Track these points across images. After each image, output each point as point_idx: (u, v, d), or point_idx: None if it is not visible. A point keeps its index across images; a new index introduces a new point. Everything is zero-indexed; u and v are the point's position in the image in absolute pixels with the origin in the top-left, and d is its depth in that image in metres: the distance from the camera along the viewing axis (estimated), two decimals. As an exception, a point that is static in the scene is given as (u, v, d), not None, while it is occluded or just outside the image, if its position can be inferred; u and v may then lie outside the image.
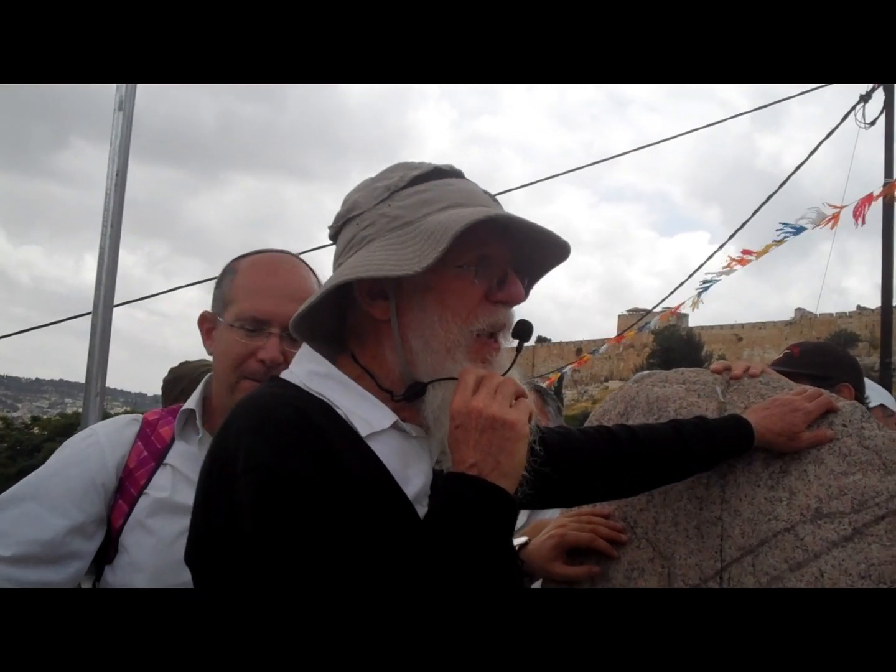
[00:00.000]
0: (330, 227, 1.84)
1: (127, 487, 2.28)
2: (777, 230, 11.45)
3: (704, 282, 12.92)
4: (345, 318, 1.80)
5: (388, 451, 1.68)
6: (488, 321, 1.72)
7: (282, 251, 2.47)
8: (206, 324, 2.40)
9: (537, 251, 1.81)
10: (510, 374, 1.74)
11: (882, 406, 4.03)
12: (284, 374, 1.77)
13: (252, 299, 2.28)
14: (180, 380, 3.78)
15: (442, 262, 1.62)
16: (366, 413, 1.70)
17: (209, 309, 2.42)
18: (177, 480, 2.25)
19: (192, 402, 2.39)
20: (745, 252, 11.97)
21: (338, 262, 1.78)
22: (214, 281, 2.43)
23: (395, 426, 1.72)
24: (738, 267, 12.13)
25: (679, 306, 13.76)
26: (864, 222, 10.75)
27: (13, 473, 41.60)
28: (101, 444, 2.30)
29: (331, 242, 1.86)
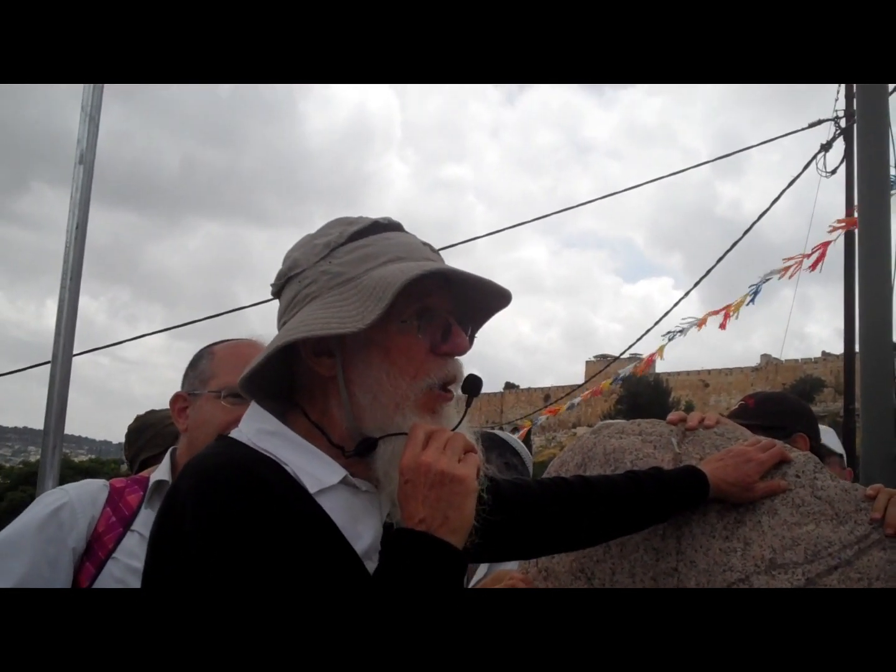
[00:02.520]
0: (272, 285, 1.85)
1: (95, 550, 2.31)
2: (748, 295, 11.61)
3: (670, 332, 12.99)
4: (292, 375, 1.80)
5: (338, 507, 1.67)
6: (438, 376, 1.72)
7: (256, 339, 2.57)
8: (180, 403, 2.48)
9: (479, 298, 1.83)
10: (459, 428, 1.75)
11: (840, 456, 4.09)
12: (233, 433, 1.77)
13: (236, 372, 2.34)
14: (146, 429, 3.76)
15: (385, 317, 1.63)
16: (314, 469, 1.70)
17: (179, 388, 2.53)
18: (145, 548, 2.27)
19: (161, 473, 2.45)
20: (725, 311, 12.05)
21: (282, 320, 1.78)
22: (179, 328, 2.53)
23: (344, 481, 1.71)
24: (713, 319, 12.22)
25: (652, 356, 13.78)
26: (821, 270, 10.90)
27: (-26, 523, 40.88)
28: (73, 508, 2.34)
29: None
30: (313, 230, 1.85)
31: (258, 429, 1.75)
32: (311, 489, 1.66)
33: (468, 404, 1.81)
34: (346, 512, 1.68)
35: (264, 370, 1.75)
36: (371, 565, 1.63)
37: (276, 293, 1.84)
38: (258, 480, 1.57)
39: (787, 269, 11.06)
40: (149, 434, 3.72)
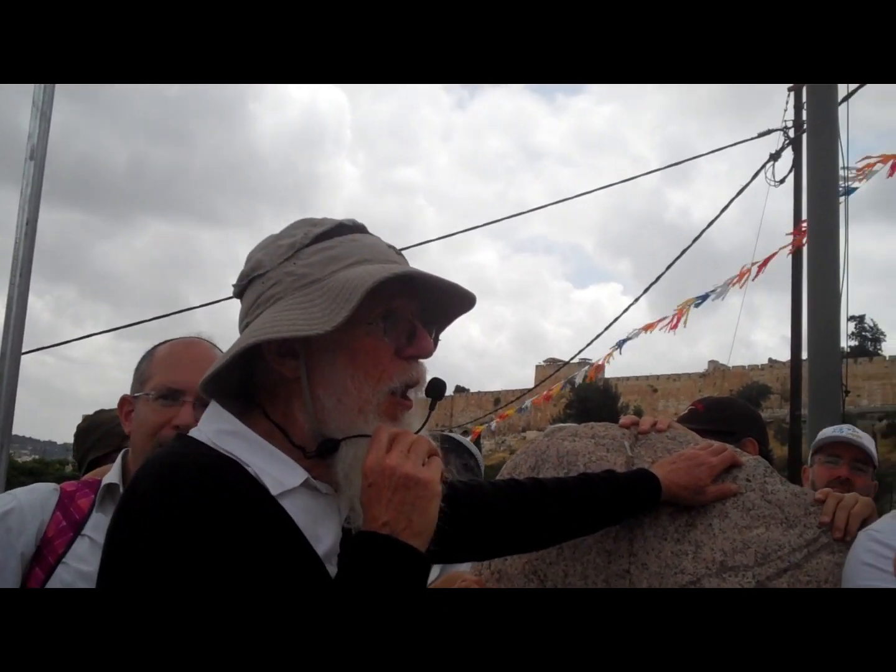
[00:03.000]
0: (234, 286, 1.83)
1: (45, 555, 2.29)
2: (696, 304, 11.74)
3: (620, 341, 13.09)
4: (253, 375, 1.78)
5: (299, 510, 1.66)
6: (401, 379, 1.72)
7: (197, 336, 2.55)
8: (126, 406, 2.48)
9: (444, 300, 1.82)
10: (422, 432, 1.75)
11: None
12: (193, 433, 1.74)
13: (167, 372, 2.39)
14: (95, 429, 3.72)
15: (351, 320, 1.62)
16: (276, 471, 1.68)
17: (128, 390, 2.52)
18: (96, 552, 2.24)
19: (113, 476, 2.43)
20: (678, 314, 12.16)
21: (244, 321, 1.76)
22: (126, 328, 2.51)
23: (305, 484, 1.70)
24: (662, 327, 12.32)
25: (604, 360, 13.84)
26: (754, 278, 11.08)
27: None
28: (23, 512, 2.31)
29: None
30: (263, 231, 1.86)
31: (218, 429, 1.72)
32: (273, 491, 1.64)
33: (431, 408, 1.81)
34: (307, 514, 1.67)
35: (226, 371, 1.73)
36: (331, 568, 1.63)
37: (239, 294, 1.82)
38: (219, 482, 1.56)
39: (741, 276, 11.19)
40: (97, 434, 3.68)
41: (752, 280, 11.01)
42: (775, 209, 14.16)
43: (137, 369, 2.48)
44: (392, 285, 1.68)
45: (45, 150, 3.45)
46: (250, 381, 1.79)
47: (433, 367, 1.81)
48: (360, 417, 1.67)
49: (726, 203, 12.52)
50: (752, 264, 11.19)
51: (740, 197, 12.75)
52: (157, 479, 1.56)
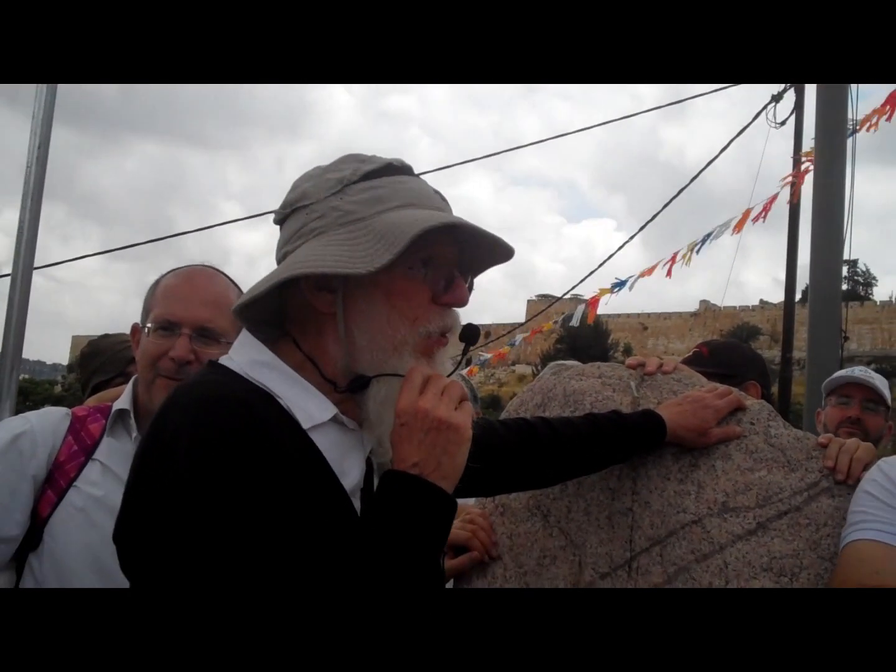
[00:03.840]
0: (276, 212, 1.82)
1: (56, 479, 2.31)
2: (691, 246, 11.71)
3: (620, 283, 13.04)
4: (285, 304, 1.78)
5: (328, 444, 1.68)
6: (437, 325, 1.72)
7: (203, 264, 2.56)
8: (136, 335, 2.48)
9: (481, 250, 1.83)
10: (445, 365, 1.76)
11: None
12: (224, 361, 1.75)
13: (166, 304, 2.40)
14: (99, 354, 3.74)
15: (392, 262, 1.62)
16: (307, 405, 1.69)
17: (115, 313, 2.57)
18: (107, 477, 2.30)
19: (124, 402, 2.44)
20: (672, 259, 12.11)
21: (282, 249, 1.76)
22: (117, 251, 2.51)
23: (334, 419, 1.72)
24: (663, 265, 12.29)
25: (597, 298, 13.79)
26: (764, 220, 11.03)
27: None
28: (34, 436, 2.33)
29: (234, 219, 1.86)
30: (253, 156, 1.90)
31: (252, 359, 1.72)
32: (304, 424, 1.66)
33: (464, 353, 1.83)
34: (335, 449, 1.69)
35: (260, 298, 1.73)
36: (356, 502, 1.66)
37: (280, 221, 1.81)
38: (255, 415, 1.56)
39: (743, 219, 11.15)
40: (101, 359, 3.70)
41: (755, 223, 10.97)
42: (771, 152, 14.07)
43: (145, 299, 2.50)
44: (435, 233, 1.67)
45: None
46: (281, 309, 1.79)
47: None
48: (395, 356, 1.69)
49: (724, 143, 12.41)
50: (765, 206, 11.12)
51: (728, 137, 12.65)
52: (194, 402, 1.57)
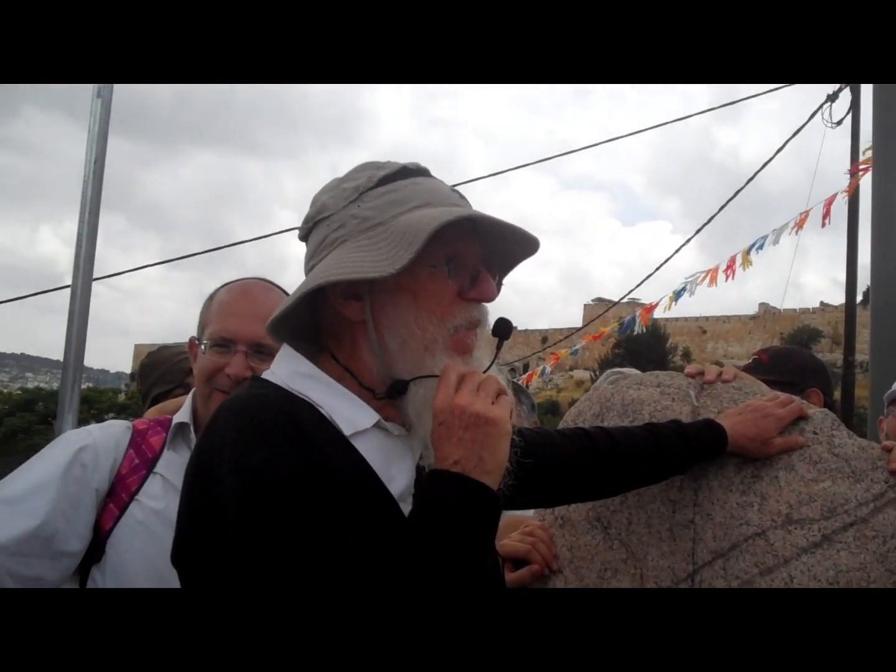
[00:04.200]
0: (300, 229, 1.85)
1: (118, 492, 2.34)
2: (755, 246, 11.57)
3: (679, 289, 12.90)
4: (319, 318, 1.81)
5: (372, 450, 1.69)
6: (464, 318, 1.73)
7: (258, 278, 2.58)
8: (193, 349, 2.51)
9: (507, 245, 1.83)
10: (490, 371, 1.76)
11: None
12: (266, 375, 1.78)
13: (221, 320, 2.43)
14: (158, 365, 3.78)
15: (415, 262, 1.63)
16: (349, 412, 1.71)
17: (176, 321, 2.58)
18: (168, 491, 2.32)
19: (183, 415, 2.47)
20: (730, 263, 11.99)
21: (309, 263, 1.79)
22: (177, 261, 2.54)
23: (377, 425, 1.73)
24: (726, 275, 12.15)
25: (655, 305, 13.67)
26: (829, 222, 10.88)
27: (-27, 449, 41.11)
28: (96, 449, 2.36)
29: (291, 228, 1.89)
30: (307, 163, 1.93)
31: (292, 371, 1.76)
32: (347, 432, 1.68)
33: (499, 347, 1.82)
34: (380, 455, 1.70)
35: (292, 314, 1.76)
36: (406, 508, 1.66)
37: (304, 237, 1.84)
38: (295, 422, 1.58)
39: (802, 220, 11.00)
40: (160, 370, 3.75)
41: (824, 226, 10.80)
42: (827, 152, 13.86)
43: (201, 313, 2.53)
44: (455, 229, 1.69)
45: (112, 88, 3.47)
46: (317, 324, 1.82)
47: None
48: (428, 355, 1.70)
49: (779, 143, 12.30)
50: (827, 204, 10.95)
51: (784, 137, 12.50)
52: (236, 420, 1.59)
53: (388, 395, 1.73)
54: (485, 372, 1.72)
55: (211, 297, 2.52)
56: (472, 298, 1.75)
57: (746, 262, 11.71)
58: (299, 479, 1.51)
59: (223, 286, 2.54)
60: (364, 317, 1.72)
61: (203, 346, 2.42)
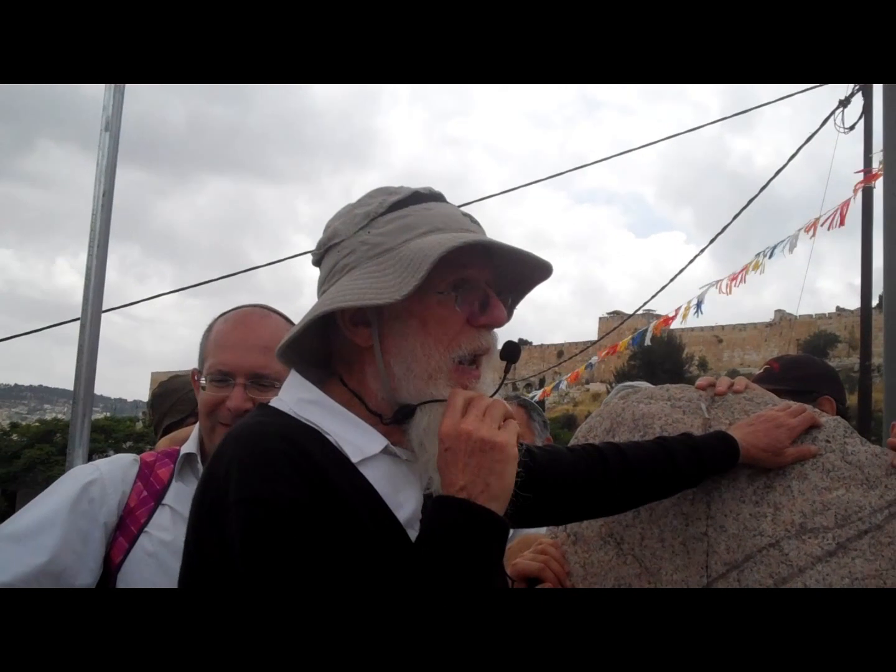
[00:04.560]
0: (313, 254, 1.86)
1: (127, 525, 2.35)
2: (763, 253, 11.54)
3: (696, 303, 12.85)
4: (330, 343, 1.81)
5: (380, 477, 1.69)
6: (470, 347, 1.73)
7: (255, 305, 2.57)
8: (195, 381, 2.53)
9: (519, 269, 1.83)
10: (498, 395, 1.75)
11: None
12: (274, 402, 1.78)
13: (218, 353, 2.43)
14: (171, 394, 3.79)
15: (423, 288, 1.63)
16: (356, 439, 1.71)
17: (193, 347, 2.58)
18: (176, 522, 2.32)
19: (191, 446, 2.49)
20: (736, 275, 11.95)
21: (321, 289, 1.79)
22: (192, 288, 2.55)
23: (385, 450, 1.73)
24: (733, 283, 12.11)
25: (672, 318, 13.61)
26: (843, 224, 10.86)
27: (-8, 480, 41.18)
28: (104, 484, 2.37)
29: (305, 252, 1.90)
30: (321, 186, 1.93)
31: (299, 398, 1.76)
32: (354, 458, 1.67)
33: (507, 371, 1.82)
34: (387, 481, 1.70)
35: (302, 339, 1.77)
36: (413, 534, 1.64)
37: (317, 262, 1.85)
38: (301, 450, 1.58)
39: (814, 224, 10.98)
40: (171, 400, 3.76)
41: (830, 228, 10.77)
42: (840, 157, 13.82)
43: (200, 345, 2.54)
44: (465, 254, 1.69)
45: (120, 121, 3.48)
46: (328, 349, 1.82)
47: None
48: (431, 384, 1.69)
49: (792, 150, 12.31)
50: (841, 208, 10.93)
51: (797, 143, 12.49)
52: (241, 449, 1.59)
53: (396, 421, 1.73)
54: (492, 396, 1.72)
55: (209, 329, 2.53)
56: (482, 324, 1.75)
57: (758, 266, 11.65)
58: (305, 508, 1.51)
59: (220, 316, 2.54)
60: (372, 343, 1.72)
61: (203, 381, 2.43)
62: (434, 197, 1.83)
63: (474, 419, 1.59)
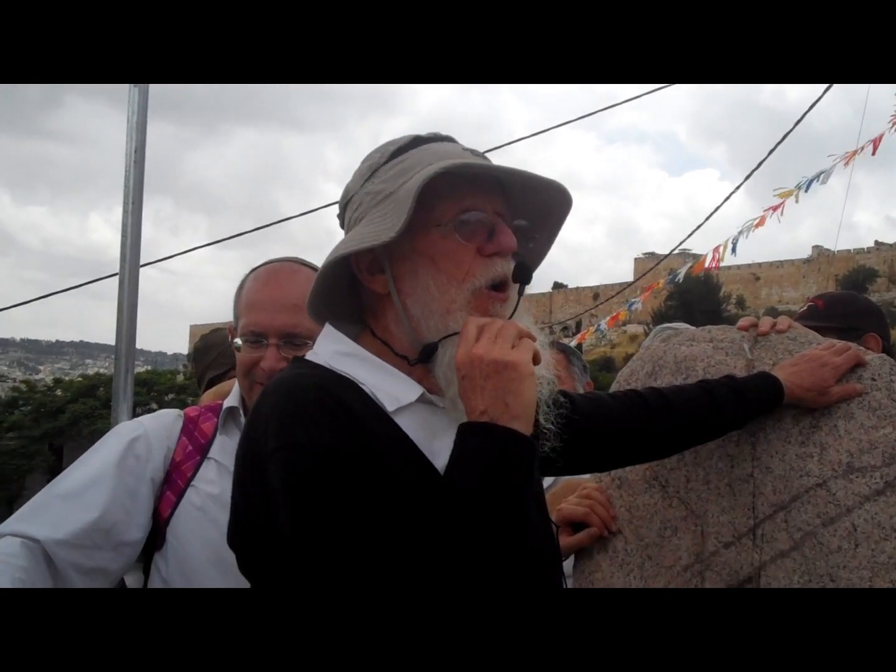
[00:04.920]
0: (338, 216, 1.90)
1: (174, 480, 2.38)
2: (799, 186, 11.32)
3: (735, 240, 12.64)
4: (359, 296, 1.83)
5: (415, 425, 1.69)
6: (486, 276, 1.72)
7: (285, 259, 2.56)
8: (232, 334, 2.53)
9: (540, 200, 1.82)
10: (521, 320, 1.74)
11: None
12: (309, 356, 1.80)
13: (250, 314, 2.42)
14: (212, 348, 3.82)
15: (425, 224, 1.66)
16: (392, 388, 1.72)
17: (228, 301, 2.58)
18: (222, 475, 2.35)
19: (233, 399, 2.51)
20: (774, 207, 11.73)
21: None
22: (226, 241, 2.55)
23: (422, 398, 1.74)
24: (771, 215, 11.90)
25: (713, 260, 13.40)
26: (874, 154, 10.66)
27: (38, 436, 41.82)
28: (149, 439, 2.39)
29: (335, 202, 1.93)
30: (349, 135, 1.90)
31: (334, 350, 1.77)
32: (389, 408, 1.68)
33: (520, 293, 1.79)
34: (423, 429, 1.70)
35: (329, 295, 1.80)
36: None
37: (341, 223, 1.88)
38: (337, 400, 1.59)
39: (851, 155, 10.76)
40: (213, 353, 3.79)
41: (868, 155, 10.56)
42: (874, 86, 13.52)
43: (234, 301, 2.54)
44: (467, 185, 1.71)
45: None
46: (358, 304, 1.85)
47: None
48: (450, 318, 1.69)
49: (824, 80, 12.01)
50: (876, 139, 10.71)
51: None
52: (279, 400, 1.61)
53: (421, 360, 1.73)
54: (509, 319, 1.71)
55: (241, 287, 2.52)
56: (490, 253, 1.74)
57: (791, 194, 11.42)
58: (342, 452, 1.52)
59: (251, 273, 2.54)
60: (389, 288, 1.74)
61: (237, 342, 2.44)
62: (437, 139, 1.83)
63: (486, 342, 1.59)
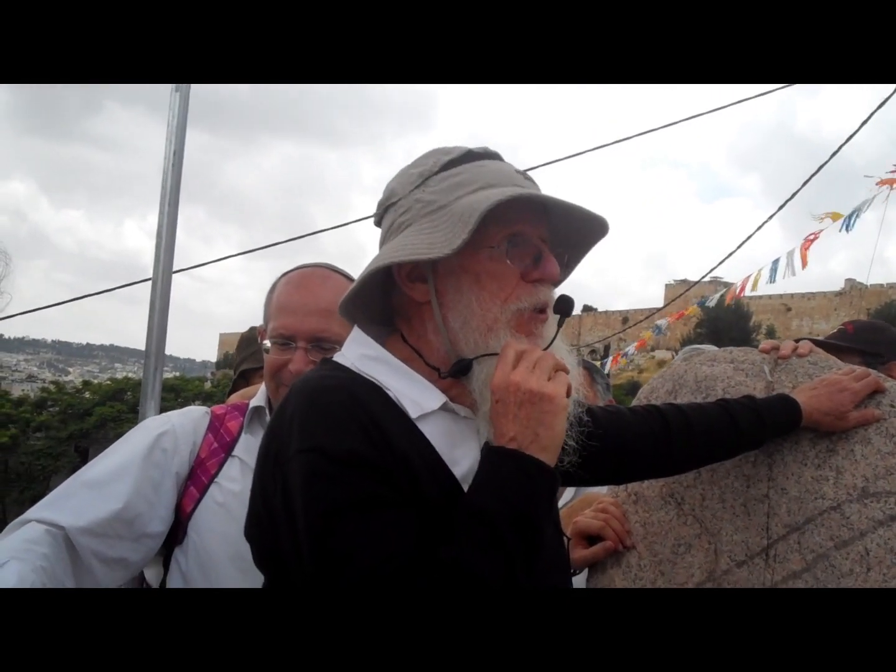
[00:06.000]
0: (374, 215, 1.91)
1: (198, 475, 2.42)
2: (844, 220, 11.24)
3: (771, 270, 12.56)
4: (391, 300, 1.86)
5: (437, 433, 1.73)
6: (529, 301, 1.76)
7: (317, 265, 2.59)
8: (262, 336, 2.57)
9: (576, 227, 1.85)
10: (557, 350, 1.78)
11: None
12: (337, 357, 1.83)
13: (280, 317, 2.46)
14: (253, 342, 3.87)
15: (474, 243, 1.68)
16: (416, 395, 1.75)
17: (258, 310, 2.64)
18: (245, 473, 2.37)
19: (260, 399, 2.55)
20: (811, 239, 11.66)
21: (381, 248, 1.84)
22: (258, 251, 2.58)
23: (444, 407, 1.77)
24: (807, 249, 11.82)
25: (742, 288, 13.33)
26: None
27: (64, 437, 42.18)
28: (176, 435, 2.44)
29: (368, 216, 1.95)
30: (385, 150, 1.93)
31: (361, 353, 1.80)
32: (413, 414, 1.71)
33: (560, 325, 1.83)
34: (445, 437, 1.73)
35: (362, 296, 1.82)
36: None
37: (377, 222, 1.90)
38: (361, 404, 1.62)
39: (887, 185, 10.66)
40: (254, 347, 3.84)
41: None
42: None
43: (265, 304, 2.58)
44: (517, 210, 1.73)
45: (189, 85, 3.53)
46: (390, 307, 1.87)
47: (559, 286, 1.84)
48: (490, 335, 1.72)
49: (863, 114, 11.94)
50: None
51: (869, 107, 12.14)
52: (304, 402, 1.64)
53: (452, 374, 1.76)
54: (546, 349, 1.75)
55: (272, 289, 2.56)
56: (535, 280, 1.77)
57: (841, 217, 11.31)
58: (363, 457, 1.55)
59: (283, 276, 2.58)
60: (430, 298, 1.76)
61: (266, 343, 2.48)
62: (488, 155, 1.86)
63: (524, 371, 1.62)
